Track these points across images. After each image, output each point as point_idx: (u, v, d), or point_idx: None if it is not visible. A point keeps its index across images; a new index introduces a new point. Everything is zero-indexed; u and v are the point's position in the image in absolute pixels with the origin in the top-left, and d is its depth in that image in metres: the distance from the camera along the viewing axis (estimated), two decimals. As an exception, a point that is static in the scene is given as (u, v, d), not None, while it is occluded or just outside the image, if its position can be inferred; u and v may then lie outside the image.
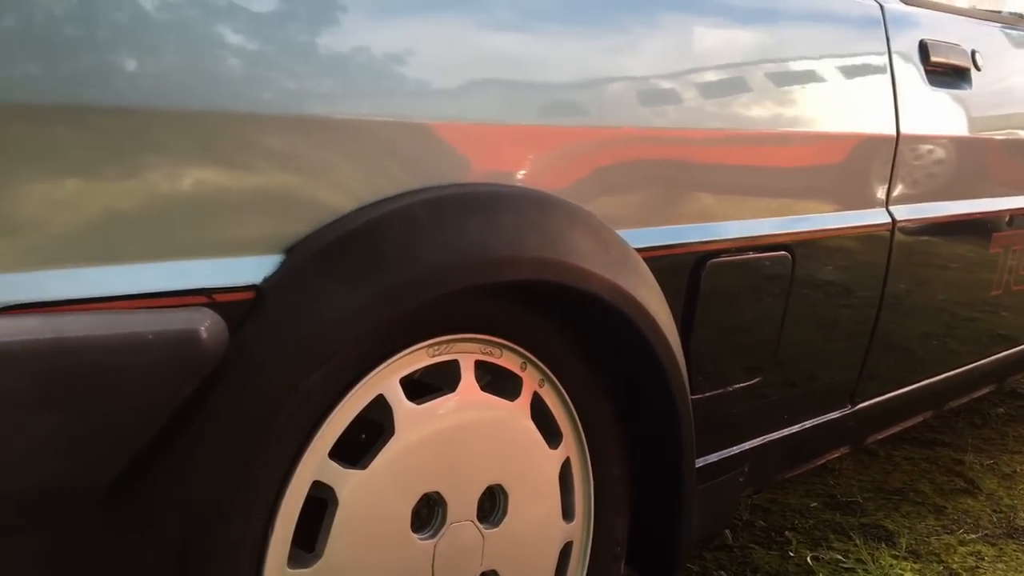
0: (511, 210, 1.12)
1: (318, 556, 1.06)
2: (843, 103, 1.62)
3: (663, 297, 1.29)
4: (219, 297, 0.90)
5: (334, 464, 1.06)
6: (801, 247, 1.54)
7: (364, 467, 1.08)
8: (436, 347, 1.15)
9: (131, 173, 0.84)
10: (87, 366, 0.79)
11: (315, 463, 1.04)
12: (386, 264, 0.99)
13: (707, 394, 1.47)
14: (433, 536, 1.15)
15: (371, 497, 1.08)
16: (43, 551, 0.85)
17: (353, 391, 1.07)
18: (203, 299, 0.89)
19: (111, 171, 0.83)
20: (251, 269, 0.93)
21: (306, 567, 1.05)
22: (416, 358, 1.13)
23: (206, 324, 0.86)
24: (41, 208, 0.79)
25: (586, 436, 1.33)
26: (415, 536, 1.13)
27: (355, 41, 0.99)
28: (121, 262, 0.85)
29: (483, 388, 1.20)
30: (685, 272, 1.37)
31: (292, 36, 0.94)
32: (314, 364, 0.96)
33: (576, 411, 1.31)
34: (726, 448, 1.57)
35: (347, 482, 1.06)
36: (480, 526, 1.19)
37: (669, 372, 1.29)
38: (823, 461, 2.05)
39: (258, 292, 0.93)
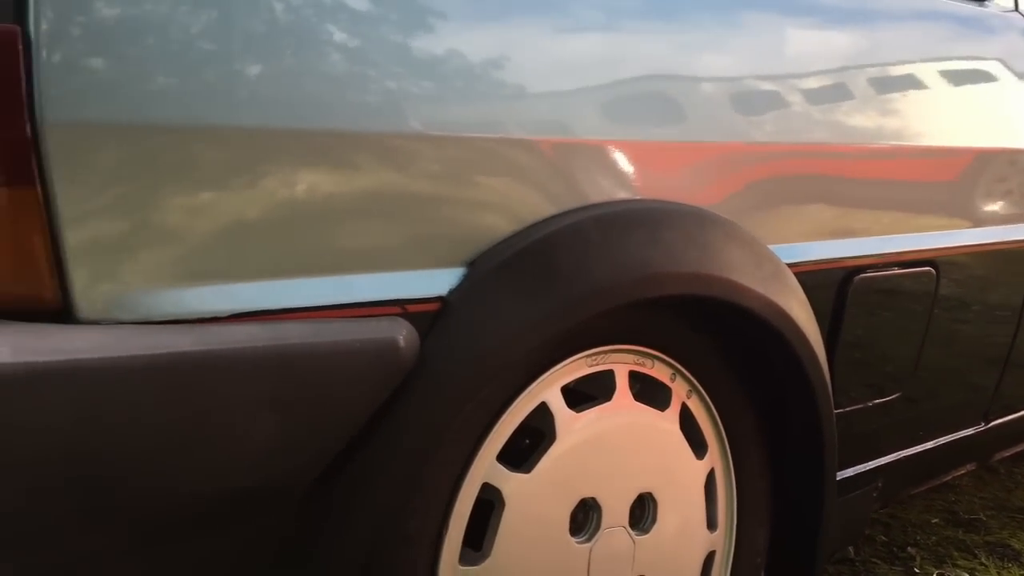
0: (672, 226, 1.15)
1: (485, 555, 1.11)
2: (990, 117, 1.61)
3: (811, 312, 1.31)
4: (411, 308, 0.95)
5: (501, 467, 1.10)
6: (945, 263, 1.54)
7: (528, 471, 1.12)
8: (594, 357, 1.18)
9: (340, 192, 0.90)
10: (304, 371, 0.85)
11: (485, 466, 1.09)
12: (560, 279, 1.03)
13: (847, 409, 1.48)
14: (589, 540, 1.19)
15: (534, 499, 1.12)
16: (240, 548, 0.91)
17: (520, 398, 1.11)
18: (397, 310, 0.95)
19: (325, 190, 0.89)
20: (439, 282, 0.98)
21: (475, 565, 1.10)
22: (576, 367, 1.17)
23: (403, 333, 0.91)
24: (263, 224, 0.86)
25: (731, 447, 1.35)
26: (572, 540, 1.17)
27: (529, 67, 1.04)
28: (328, 274, 0.91)
29: (635, 398, 1.23)
30: (833, 287, 1.38)
31: (468, 62, 0.99)
32: (492, 374, 1.00)
33: (722, 423, 1.33)
34: (862, 463, 1.58)
35: (513, 484, 1.11)
36: (631, 532, 1.23)
37: (816, 387, 1.30)
38: (949, 478, 2.03)
39: (443, 303, 0.98)
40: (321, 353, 0.86)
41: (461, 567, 1.09)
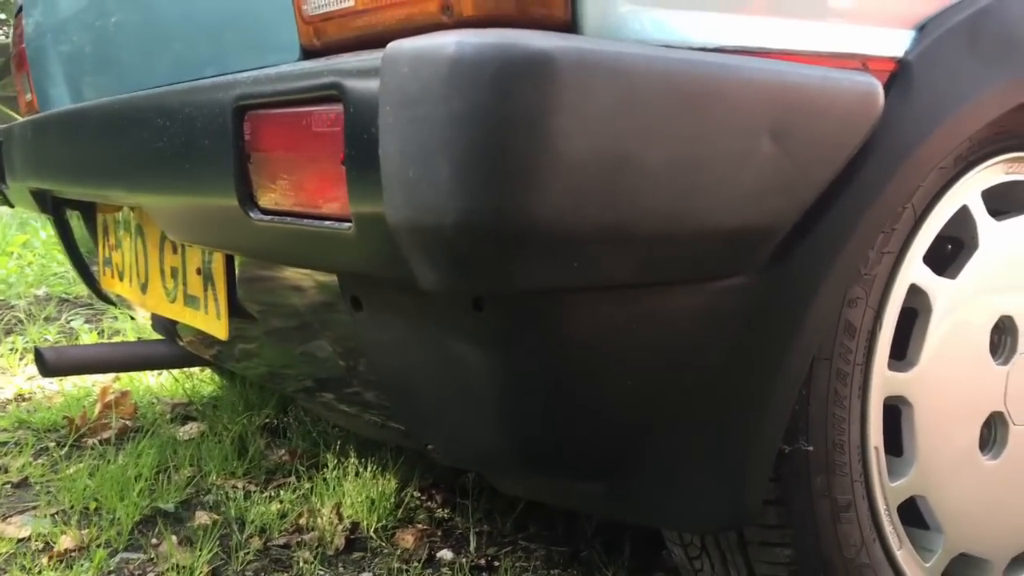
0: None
1: (911, 363, 1.03)
2: None
3: None
4: (871, 64, 0.89)
5: (928, 270, 1.03)
6: None
7: (953, 277, 1.04)
8: (1012, 163, 1.09)
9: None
10: (802, 106, 0.80)
11: (913, 266, 1.01)
12: (1018, 49, 0.95)
13: None
14: (1005, 363, 1.10)
15: (958, 309, 1.04)
16: (708, 305, 0.86)
17: (945, 196, 1.03)
18: (857, 64, 0.89)
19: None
20: (896, 42, 0.91)
21: (902, 373, 1.03)
22: (993, 172, 1.08)
23: (879, 84, 0.85)
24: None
25: None
26: (991, 359, 1.08)
27: None
28: (802, 18, 0.86)
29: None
30: None
31: None
32: (952, 143, 0.93)
33: None
34: None
35: (939, 290, 1.03)
36: (1045, 361, 1.13)
37: None
38: None
39: (899, 64, 0.91)
40: (814, 90, 0.81)
41: (889, 372, 1.02)
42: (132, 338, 3.02)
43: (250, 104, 0.91)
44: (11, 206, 2.29)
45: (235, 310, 1.28)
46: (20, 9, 2.01)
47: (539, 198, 0.70)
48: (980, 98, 0.94)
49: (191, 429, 2.22)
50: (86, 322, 3.32)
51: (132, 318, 3.08)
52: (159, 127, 1.07)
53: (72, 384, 2.53)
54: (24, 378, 2.73)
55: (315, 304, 1.11)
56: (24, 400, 2.52)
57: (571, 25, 0.77)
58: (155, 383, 2.53)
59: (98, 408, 2.28)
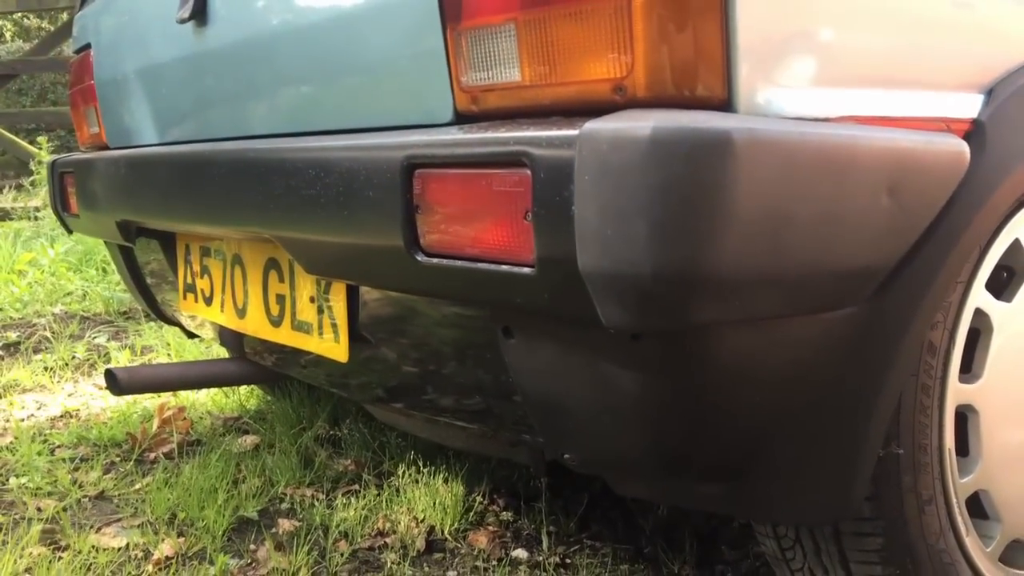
0: None
1: (977, 376, 1.20)
2: None
3: None
4: (953, 126, 1.06)
5: (989, 295, 1.20)
6: None
7: (1009, 300, 1.21)
8: (1052, 201, 1.26)
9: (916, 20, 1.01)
10: (911, 165, 0.96)
11: (977, 292, 1.18)
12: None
13: None
14: (1055, 374, 1.27)
15: (1013, 327, 1.21)
16: (825, 332, 1.02)
17: (1002, 231, 1.20)
18: (942, 126, 1.05)
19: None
20: (970, 105, 1.08)
21: (969, 384, 1.19)
22: (1038, 210, 1.25)
23: (966, 144, 1.02)
24: (876, 45, 0.98)
25: None
26: (1043, 370, 1.25)
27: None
28: (896, 88, 1.02)
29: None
30: None
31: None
32: (1016, 190, 1.10)
33: None
34: None
35: (998, 312, 1.20)
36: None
37: None
38: None
39: (974, 124, 1.08)
40: (920, 152, 0.97)
41: (959, 384, 1.18)
42: (163, 353, 3.12)
43: (421, 163, 1.05)
44: (69, 232, 2.39)
45: (355, 336, 1.41)
46: (86, 46, 2.12)
47: (718, 253, 0.85)
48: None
49: (246, 442, 2.34)
50: (110, 339, 3.41)
51: (162, 334, 3.18)
52: (310, 176, 1.20)
53: (117, 401, 2.63)
54: (65, 395, 2.82)
55: (446, 331, 1.25)
56: (72, 417, 2.61)
57: (727, 105, 0.92)
58: (203, 398, 2.64)
59: (156, 423, 2.39)
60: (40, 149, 5.86)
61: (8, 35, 13.36)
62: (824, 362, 1.03)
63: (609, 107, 0.93)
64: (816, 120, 0.96)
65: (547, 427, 1.14)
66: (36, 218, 5.40)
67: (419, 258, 1.07)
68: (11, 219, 5.58)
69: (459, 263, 1.03)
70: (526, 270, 0.96)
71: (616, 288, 0.87)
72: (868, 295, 1.01)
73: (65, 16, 9.58)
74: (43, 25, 12.42)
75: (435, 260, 1.06)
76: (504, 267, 0.98)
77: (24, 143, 6.95)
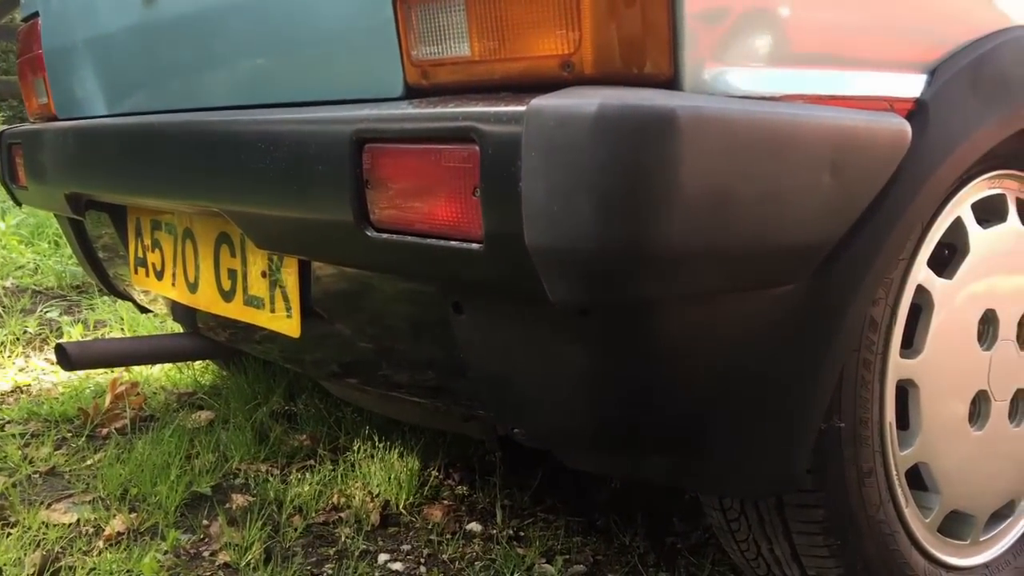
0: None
1: (917, 351, 1.22)
2: None
3: None
4: (896, 105, 1.07)
5: (931, 272, 1.22)
6: None
7: (950, 278, 1.24)
8: (993, 180, 1.29)
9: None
10: (853, 143, 0.98)
11: (919, 269, 1.20)
12: (1011, 90, 1.14)
13: None
14: (988, 349, 1.30)
15: (954, 305, 1.24)
16: (767, 307, 1.03)
17: (944, 209, 1.22)
18: (885, 106, 1.07)
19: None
20: (913, 85, 1.10)
21: (910, 359, 1.22)
22: (979, 188, 1.28)
23: (907, 123, 1.04)
24: (819, 24, 0.99)
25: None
26: (978, 346, 1.28)
27: None
28: (841, 68, 1.03)
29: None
30: None
31: None
32: (958, 168, 1.12)
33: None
34: None
35: (940, 288, 1.22)
36: (1018, 347, 1.33)
37: None
38: None
39: (917, 104, 1.10)
40: (862, 131, 0.99)
41: (901, 359, 1.21)
42: (117, 328, 3.09)
43: (371, 137, 1.04)
44: (18, 204, 2.35)
45: (307, 311, 1.41)
46: (35, 15, 2.08)
47: (663, 230, 0.86)
48: (982, 130, 1.12)
49: (200, 417, 2.33)
50: (63, 313, 3.36)
51: (113, 308, 3.15)
52: (260, 150, 1.19)
53: (69, 376, 2.60)
54: (16, 370, 2.78)
55: (398, 307, 1.25)
56: (23, 392, 2.58)
57: (673, 82, 0.93)
58: (157, 373, 2.62)
59: (108, 399, 2.37)
60: (-10, 120, 5.73)
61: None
62: (767, 337, 1.04)
63: (558, 83, 0.93)
64: (762, 99, 0.97)
65: (497, 402, 1.15)
66: (-14, 190, 5.30)
67: (369, 233, 1.07)
68: (-40, 191, 5.46)
69: (408, 239, 1.03)
70: (474, 246, 0.96)
71: (563, 264, 0.88)
72: (811, 271, 1.03)
73: (16, -17, 9.34)
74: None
75: (384, 235, 1.06)
76: (453, 243, 0.98)
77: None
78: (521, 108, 0.88)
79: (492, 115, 0.91)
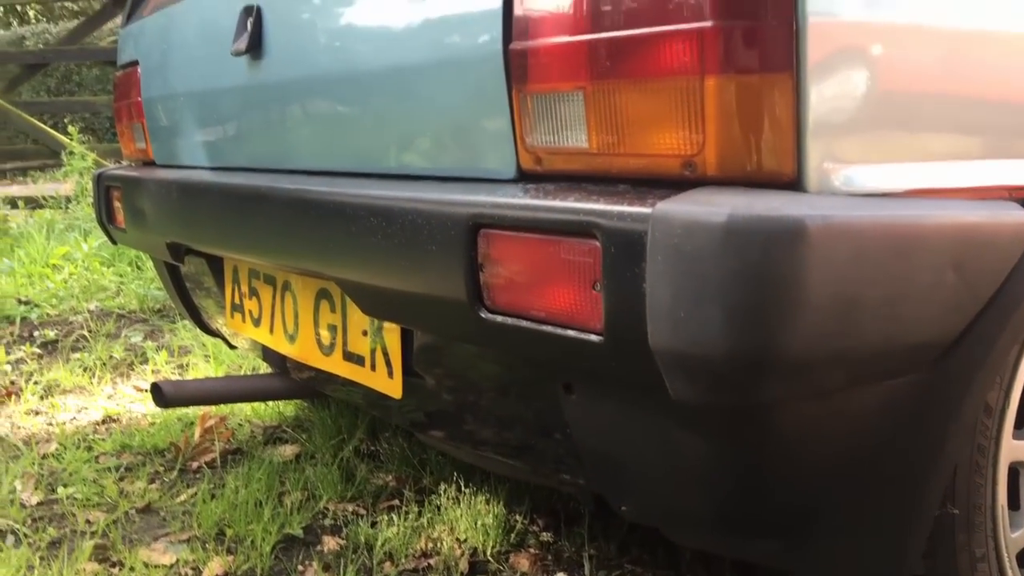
0: None
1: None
2: None
3: None
4: (1015, 193, 1.06)
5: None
6: None
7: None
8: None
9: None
10: (976, 239, 0.97)
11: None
12: None
13: None
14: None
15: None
16: (885, 398, 1.03)
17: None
18: (1005, 194, 1.06)
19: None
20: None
21: (1022, 440, 1.20)
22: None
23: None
24: (942, 119, 0.99)
25: None
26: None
27: None
28: (960, 159, 1.03)
29: None
30: None
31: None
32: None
33: None
34: None
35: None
36: None
37: None
38: None
39: (1035, 190, 1.09)
40: (984, 226, 0.98)
41: (1014, 440, 1.19)
42: (200, 354, 3.16)
43: (487, 223, 1.06)
44: (113, 243, 2.43)
45: (408, 371, 1.44)
46: (134, 63, 2.14)
47: (790, 337, 0.86)
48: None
49: (286, 451, 2.37)
50: (146, 338, 3.45)
51: (194, 337, 3.22)
52: (372, 224, 1.22)
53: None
54: (104, 397, 2.86)
55: (504, 378, 1.27)
56: (114, 421, 2.66)
57: (796, 182, 0.93)
58: (242, 406, 2.68)
59: (198, 432, 2.43)
60: (71, 139, 5.90)
61: (31, 14, 13.44)
62: (885, 427, 1.04)
63: (677, 181, 0.94)
64: (883, 195, 0.97)
65: (605, 480, 1.16)
66: (67, 208, 5.46)
67: (482, 314, 1.09)
68: (43, 207, 5.63)
69: (523, 323, 1.05)
70: (593, 337, 0.97)
71: (688, 366, 0.89)
72: (931, 362, 1.02)
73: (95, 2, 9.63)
74: (66, 4, 12.49)
75: (498, 317, 1.08)
76: (570, 332, 1.00)
77: (52, 131, 7.00)
78: (647, 210, 0.89)
79: (615, 214, 0.93)
